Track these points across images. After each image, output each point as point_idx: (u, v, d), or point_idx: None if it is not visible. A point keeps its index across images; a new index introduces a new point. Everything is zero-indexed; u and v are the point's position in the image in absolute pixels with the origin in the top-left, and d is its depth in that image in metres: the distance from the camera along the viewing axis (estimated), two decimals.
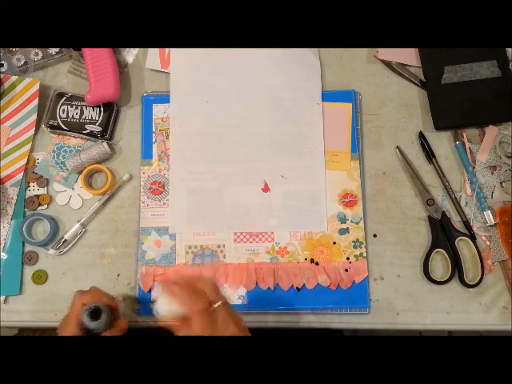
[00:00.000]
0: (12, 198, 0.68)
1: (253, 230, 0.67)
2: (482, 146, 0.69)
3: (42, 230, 0.68)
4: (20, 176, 0.69)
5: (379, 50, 0.73)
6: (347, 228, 0.67)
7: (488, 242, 0.67)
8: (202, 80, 0.72)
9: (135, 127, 0.71)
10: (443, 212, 0.67)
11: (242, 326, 0.50)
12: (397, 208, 0.68)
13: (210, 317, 0.49)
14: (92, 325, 0.53)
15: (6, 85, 0.70)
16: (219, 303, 0.50)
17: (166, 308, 0.50)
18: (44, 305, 0.66)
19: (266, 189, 0.69)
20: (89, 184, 0.70)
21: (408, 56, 0.73)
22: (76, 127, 0.70)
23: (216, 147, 0.70)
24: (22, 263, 0.67)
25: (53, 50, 0.72)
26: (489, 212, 0.66)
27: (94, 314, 0.53)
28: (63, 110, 0.70)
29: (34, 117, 0.70)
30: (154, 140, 0.70)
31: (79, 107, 0.70)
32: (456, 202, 0.67)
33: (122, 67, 0.73)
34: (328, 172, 0.69)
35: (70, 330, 0.53)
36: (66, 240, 0.67)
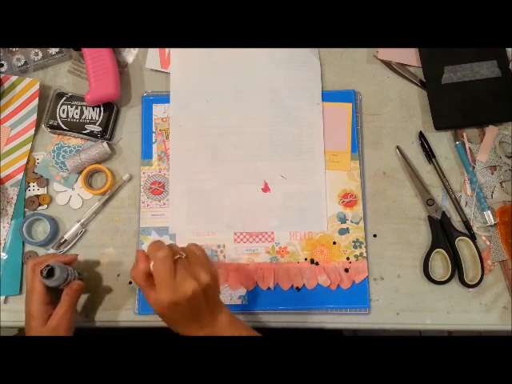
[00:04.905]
0: (12, 198, 0.68)
1: (253, 230, 0.67)
2: (481, 146, 0.69)
3: (42, 230, 0.68)
4: (20, 176, 0.69)
5: (379, 49, 0.73)
6: (347, 228, 0.67)
7: (488, 242, 0.67)
8: (202, 80, 0.72)
9: (135, 127, 0.71)
10: (443, 212, 0.67)
11: (206, 281, 0.51)
12: (397, 208, 0.68)
13: (168, 264, 0.51)
14: (49, 282, 0.57)
15: (6, 85, 0.70)
16: (179, 255, 0.52)
17: None
18: None
19: (265, 189, 0.69)
20: (89, 184, 0.70)
21: (408, 56, 0.73)
22: (76, 127, 0.70)
23: (216, 147, 0.70)
24: (22, 263, 0.67)
25: (53, 50, 0.72)
26: (489, 212, 0.66)
27: (50, 273, 0.57)
28: (63, 110, 0.70)
29: (34, 117, 0.70)
30: (154, 140, 0.70)
31: (79, 107, 0.70)
32: (456, 202, 0.67)
33: (122, 67, 0.73)
34: (328, 172, 0.69)
35: (37, 295, 0.57)
36: (65, 240, 0.67)
